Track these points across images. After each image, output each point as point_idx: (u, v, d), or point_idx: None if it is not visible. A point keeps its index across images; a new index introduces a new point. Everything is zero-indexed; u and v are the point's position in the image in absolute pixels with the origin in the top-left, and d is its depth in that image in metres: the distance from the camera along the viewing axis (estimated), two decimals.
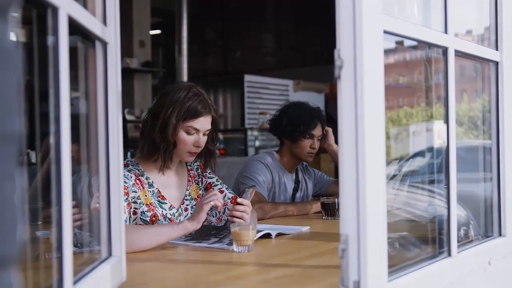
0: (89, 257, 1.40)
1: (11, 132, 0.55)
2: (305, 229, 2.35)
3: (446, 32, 1.51)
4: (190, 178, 2.38)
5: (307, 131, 2.98)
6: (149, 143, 2.20)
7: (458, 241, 1.55)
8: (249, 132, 7.42)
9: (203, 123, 2.20)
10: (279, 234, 2.18)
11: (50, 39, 1.01)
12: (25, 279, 1.06)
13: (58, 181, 1.00)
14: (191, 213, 2.29)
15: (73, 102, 1.10)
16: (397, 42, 1.47)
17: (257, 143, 7.46)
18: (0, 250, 0.54)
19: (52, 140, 1.01)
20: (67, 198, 1.02)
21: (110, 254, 1.37)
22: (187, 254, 1.91)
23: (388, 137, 1.35)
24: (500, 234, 1.81)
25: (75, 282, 1.10)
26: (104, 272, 1.28)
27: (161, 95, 2.24)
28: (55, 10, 0.99)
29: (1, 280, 0.54)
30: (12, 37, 0.57)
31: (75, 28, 1.11)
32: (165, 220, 2.20)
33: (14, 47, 0.56)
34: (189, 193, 2.35)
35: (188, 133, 2.18)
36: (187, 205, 2.33)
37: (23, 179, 0.59)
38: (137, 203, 2.13)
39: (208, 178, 2.42)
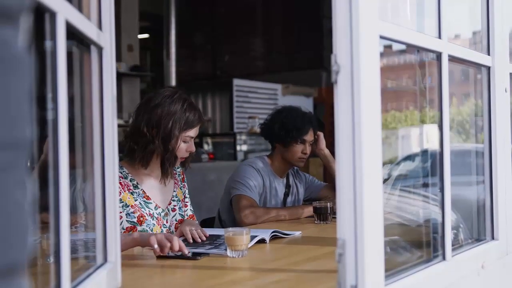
0: (84, 263, 1.39)
1: (22, 139, 0.55)
2: (298, 233, 2.35)
3: (439, 37, 1.52)
4: (176, 181, 2.46)
5: (299, 136, 2.98)
6: (149, 154, 2.25)
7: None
8: (238, 137, 7.40)
9: (197, 130, 2.33)
10: (274, 237, 2.18)
11: (47, 44, 1.01)
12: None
13: (55, 187, 1.00)
14: (179, 213, 2.40)
15: (68, 107, 1.09)
16: (385, 46, 1.47)
17: (246, 148, 7.44)
18: (13, 257, 0.54)
19: (50, 145, 1.00)
20: (64, 204, 1.01)
21: (105, 260, 1.36)
22: (182, 260, 1.89)
23: None
24: (492, 238, 1.82)
25: None
26: (100, 278, 1.27)
27: (153, 105, 2.25)
28: (53, 15, 0.98)
29: (14, 286, 0.54)
30: (23, 43, 0.56)
31: (71, 32, 1.10)
32: (152, 220, 2.25)
33: (25, 53, 0.56)
34: (176, 194, 2.43)
35: (184, 141, 2.29)
36: (174, 205, 2.40)
37: (33, 186, 0.59)
38: (119, 206, 2.15)
39: (186, 188, 2.53)
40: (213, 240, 2.13)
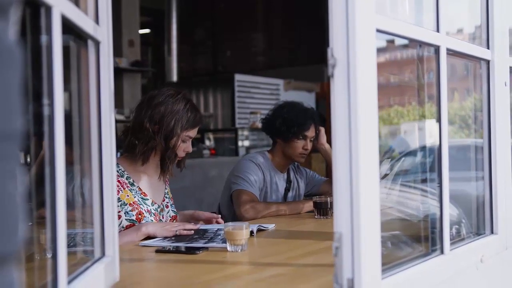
0: (82, 257, 1.39)
1: (13, 130, 0.55)
2: (271, 226, 2.38)
3: (438, 30, 1.52)
4: (166, 180, 2.50)
5: (300, 132, 2.98)
6: (150, 150, 2.28)
7: (451, 239, 1.56)
8: (239, 132, 7.40)
9: (196, 131, 2.38)
10: (259, 230, 2.24)
11: (43, 38, 1.01)
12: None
13: (52, 182, 1.00)
14: (172, 210, 2.45)
15: (64, 102, 1.09)
16: (388, 41, 1.47)
17: (248, 143, 7.45)
18: (3, 248, 0.54)
19: (45, 140, 1.00)
20: (61, 199, 1.01)
21: (103, 254, 1.36)
22: (180, 254, 1.90)
23: (379, 136, 1.35)
24: (492, 232, 1.82)
25: (69, 282, 1.09)
26: (97, 272, 1.27)
27: (156, 103, 2.29)
28: (48, 9, 0.98)
29: (4, 277, 0.54)
30: (13, 36, 0.57)
31: (67, 27, 1.10)
32: (150, 216, 2.29)
33: (16, 46, 0.57)
34: (167, 192, 2.48)
35: (183, 141, 2.33)
36: (167, 202, 2.45)
37: (24, 177, 0.59)
38: (118, 205, 2.18)
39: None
40: (202, 234, 2.13)
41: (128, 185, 2.28)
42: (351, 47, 1.15)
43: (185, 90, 2.47)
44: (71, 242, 1.39)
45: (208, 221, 2.44)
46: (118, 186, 2.22)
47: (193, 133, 2.35)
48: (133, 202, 2.25)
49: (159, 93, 2.33)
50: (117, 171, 2.27)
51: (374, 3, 1.22)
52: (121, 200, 2.22)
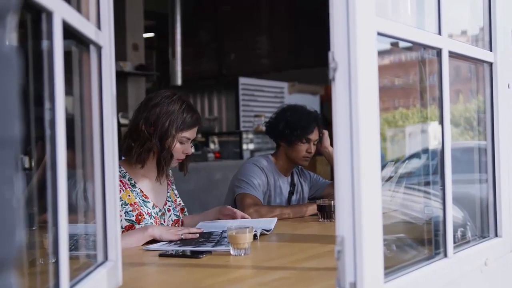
0: (85, 261, 1.39)
1: (10, 137, 0.55)
2: (274, 221, 2.40)
3: (440, 33, 1.51)
4: (169, 183, 2.50)
5: (304, 135, 2.97)
6: (145, 151, 2.28)
7: (455, 242, 1.55)
8: (244, 135, 7.39)
9: (195, 132, 2.36)
10: (262, 234, 2.22)
11: (44, 43, 1.01)
12: (21, 284, 1.05)
13: (54, 186, 1.00)
14: (174, 214, 2.44)
15: (67, 107, 1.09)
16: (392, 44, 1.47)
17: (253, 146, 7.44)
18: (0, 253, 0.54)
19: (47, 145, 1.00)
20: (62, 203, 1.01)
21: (106, 258, 1.37)
22: (184, 258, 1.90)
23: (384, 138, 1.35)
24: (496, 235, 1.81)
25: (71, 286, 1.09)
26: (100, 277, 1.27)
27: (152, 105, 2.30)
28: (49, 14, 0.99)
29: (2, 282, 0.54)
30: (11, 41, 0.57)
31: (69, 32, 1.11)
32: (150, 218, 2.29)
33: (13, 51, 0.57)
34: (169, 195, 2.47)
35: (181, 142, 2.32)
36: (169, 206, 2.45)
37: (22, 183, 0.60)
38: (119, 205, 2.19)
39: (175, 189, 2.56)
40: (208, 238, 2.13)
41: (130, 186, 2.29)
42: (352, 50, 1.15)
43: (188, 93, 2.47)
44: (73, 246, 1.40)
45: (232, 217, 2.46)
46: (120, 185, 2.23)
47: (190, 134, 2.33)
48: (134, 203, 2.26)
49: (156, 95, 2.34)
50: (120, 172, 2.27)
51: (375, 6, 1.22)
52: (122, 200, 2.22)
